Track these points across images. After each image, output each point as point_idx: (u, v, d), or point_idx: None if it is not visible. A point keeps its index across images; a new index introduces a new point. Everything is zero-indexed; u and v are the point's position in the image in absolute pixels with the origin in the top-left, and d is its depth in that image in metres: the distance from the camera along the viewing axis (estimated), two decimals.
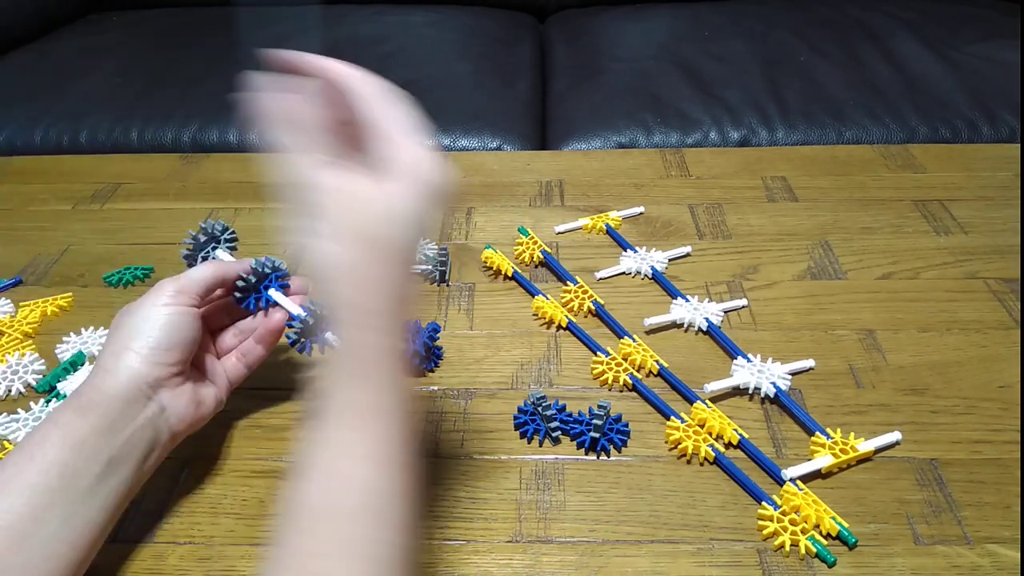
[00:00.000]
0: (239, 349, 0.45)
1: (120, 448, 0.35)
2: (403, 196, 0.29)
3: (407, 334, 0.31)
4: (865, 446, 0.43)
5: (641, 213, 0.66)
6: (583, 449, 0.44)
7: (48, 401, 0.48)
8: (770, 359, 0.49)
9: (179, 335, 0.38)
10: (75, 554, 0.33)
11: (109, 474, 0.35)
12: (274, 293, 0.44)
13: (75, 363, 0.51)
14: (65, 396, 0.48)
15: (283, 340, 0.52)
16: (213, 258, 0.48)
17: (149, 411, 0.37)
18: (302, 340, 0.43)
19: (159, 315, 0.38)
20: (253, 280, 0.44)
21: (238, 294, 0.44)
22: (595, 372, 0.49)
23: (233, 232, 0.49)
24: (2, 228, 0.68)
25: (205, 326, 0.42)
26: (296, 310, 0.44)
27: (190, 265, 0.46)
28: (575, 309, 0.55)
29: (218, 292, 0.43)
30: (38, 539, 0.32)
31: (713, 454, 0.43)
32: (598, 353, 0.51)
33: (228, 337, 0.45)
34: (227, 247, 0.48)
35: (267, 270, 0.44)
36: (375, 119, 0.30)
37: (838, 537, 0.39)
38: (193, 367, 0.41)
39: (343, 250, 0.28)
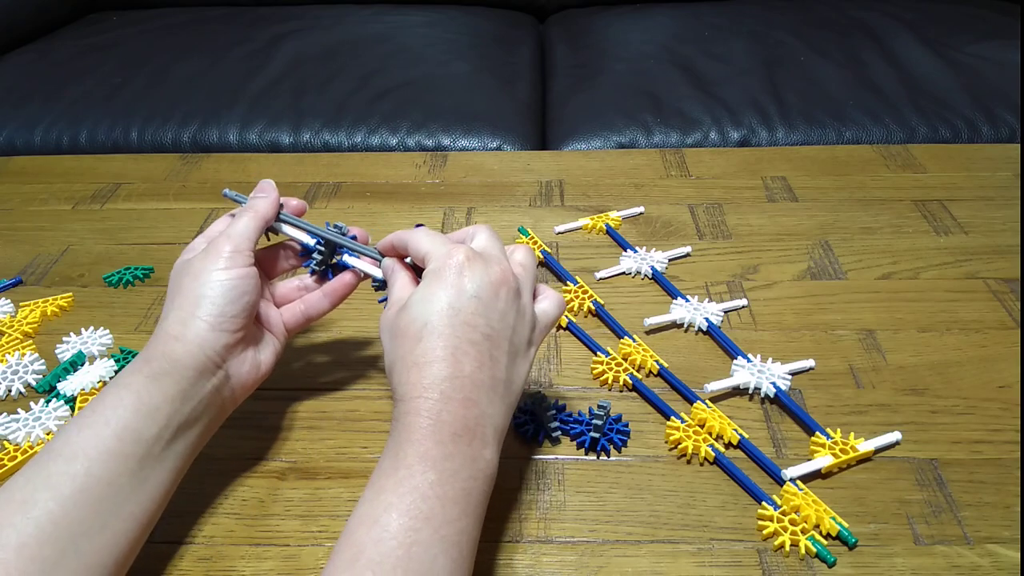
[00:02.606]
0: (304, 300, 0.44)
1: (190, 415, 0.36)
2: (413, 294, 0.36)
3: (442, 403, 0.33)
4: (865, 446, 0.43)
5: (641, 213, 0.66)
6: (583, 449, 0.44)
7: (48, 401, 0.48)
8: (770, 359, 0.49)
9: (243, 299, 0.38)
10: (146, 514, 0.34)
11: (178, 439, 0.36)
12: (349, 259, 0.43)
13: (75, 363, 0.51)
14: (65, 396, 0.48)
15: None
16: (344, 264, 0.44)
17: (217, 379, 0.38)
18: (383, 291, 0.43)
19: (222, 280, 0.38)
20: (325, 252, 0.43)
21: (315, 267, 0.43)
22: (595, 372, 0.49)
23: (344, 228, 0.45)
24: (2, 228, 0.68)
25: (261, 274, 0.43)
26: (376, 272, 0.43)
27: (316, 273, 0.44)
28: (575, 309, 0.55)
29: (290, 263, 0.45)
30: (114, 501, 0.33)
31: (713, 454, 0.43)
32: (598, 353, 0.51)
33: (288, 286, 0.45)
34: (351, 254, 0.44)
35: (337, 238, 0.43)
36: (419, 250, 0.38)
37: (838, 537, 0.39)
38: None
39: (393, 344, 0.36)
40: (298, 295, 0.45)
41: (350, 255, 0.44)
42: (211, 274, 0.38)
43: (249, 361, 0.40)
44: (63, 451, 0.33)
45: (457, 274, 0.35)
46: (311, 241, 0.44)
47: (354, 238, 0.44)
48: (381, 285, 0.43)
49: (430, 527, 0.30)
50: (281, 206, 0.44)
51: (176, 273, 0.40)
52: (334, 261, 0.44)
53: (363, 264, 0.43)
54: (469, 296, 0.34)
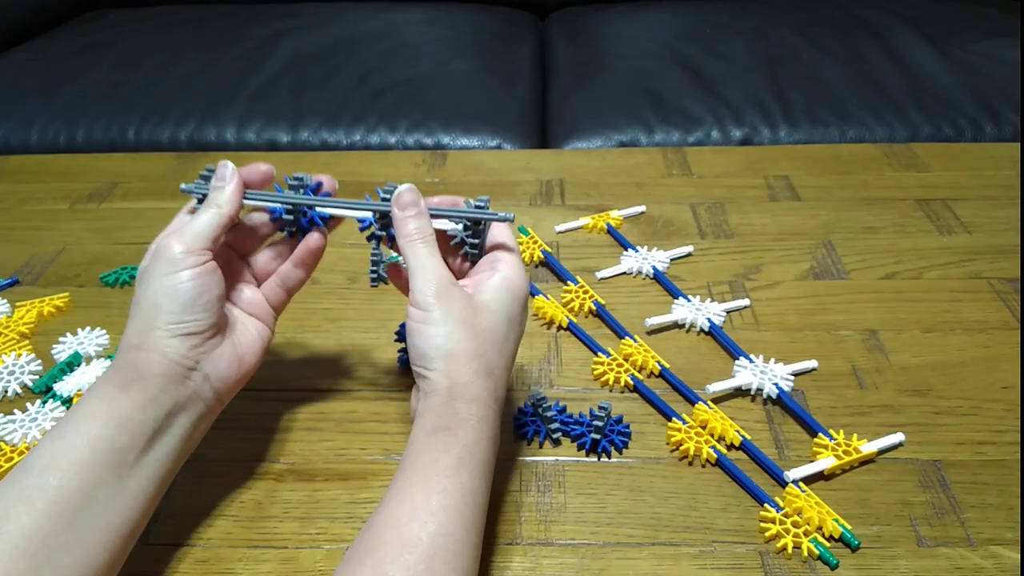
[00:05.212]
0: (277, 274, 0.42)
1: (164, 421, 0.35)
2: (493, 298, 0.37)
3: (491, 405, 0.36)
4: (868, 447, 0.43)
5: (642, 212, 0.66)
6: (584, 451, 0.44)
7: (44, 402, 0.48)
8: (772, 360, 0.49)
9: (202, 299, 0.36)
10: (127, 524, 0.34)
11: (155, 447, 0.35)
12: (324, 210, 0.41)
13: (72, 364, 0.51)
14: (61, 397, 0.48)
15: (271, 342, 0.52)
16: (318, 218, 0.41)
17: (192, 383, 0.36)
18: (379, 262, 0.41)
19: (175, 286, 0.36)
20: (294, 212, 0.40)
21: (290, 228, 0.41)
22: (596, 373, 0.49)
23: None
24: None
25: (236, 252, 0.41)
26: (359, 213, 0.40)
27: (293, 235, 0.42)
28: (576, 309, 0.55)
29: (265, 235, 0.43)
30: (90, 513, 0.32)
31: (715, 455, 0.43)
32: (599, 354, 0.50)
33: (264, 258, 0.42)
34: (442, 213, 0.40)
35: (303, 193, 0.40)
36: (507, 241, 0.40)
37: (841, 539, 0.39)
38: (229, 309, 0.40)
39: (457, 334, 0.35)
40: (274, 266, 0.42)
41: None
42: (162, 280, 0.36)
43: (227, 356, 0.38)
44: (36, 464, 0.32)
45: (525, 304, 0.39)
46: (278, 206, 0.41)
47: (319, 185, 0.41)
48: (378, 264, 0.41)
49: (475, 531, 0.33)
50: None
51: (136, 280, 0.38)
52: (308, 216, 0.41)
53: (345, 212, 0.41)
54: (517, 327, 0.39)
